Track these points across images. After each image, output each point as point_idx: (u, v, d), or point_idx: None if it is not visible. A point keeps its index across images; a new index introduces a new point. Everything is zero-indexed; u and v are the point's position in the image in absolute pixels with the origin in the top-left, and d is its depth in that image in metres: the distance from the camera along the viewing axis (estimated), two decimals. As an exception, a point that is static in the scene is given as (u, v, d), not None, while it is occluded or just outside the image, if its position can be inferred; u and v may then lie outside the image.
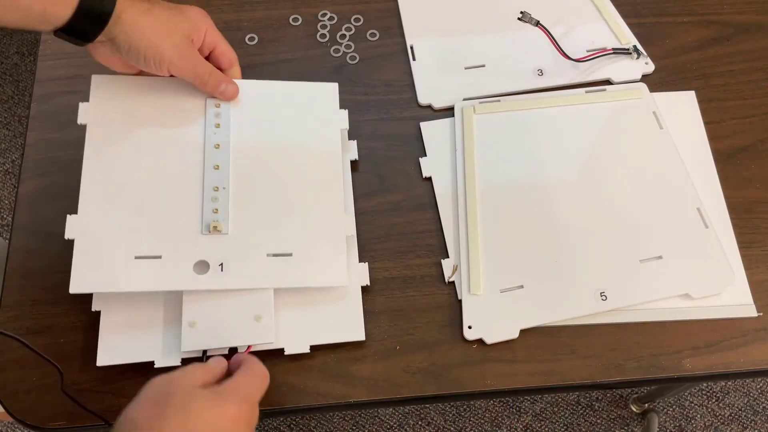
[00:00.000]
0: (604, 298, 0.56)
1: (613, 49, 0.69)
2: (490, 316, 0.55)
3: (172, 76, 0.56)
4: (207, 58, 0.58)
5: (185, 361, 0.52)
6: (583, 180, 0.62)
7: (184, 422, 0.39)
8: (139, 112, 0.57)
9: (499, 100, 0.66)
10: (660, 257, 0.58)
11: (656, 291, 0.57)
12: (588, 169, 0.62)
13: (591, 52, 0.69)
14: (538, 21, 0.66)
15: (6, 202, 1.44)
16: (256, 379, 0.45)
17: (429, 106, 0.67)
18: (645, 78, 0.69)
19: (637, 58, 0.69)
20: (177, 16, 0.55)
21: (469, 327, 0.55)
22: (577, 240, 0.59)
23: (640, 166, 0.63)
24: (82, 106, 0.57)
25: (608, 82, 0.68)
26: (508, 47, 0.70)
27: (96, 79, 0.58)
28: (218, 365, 0.46)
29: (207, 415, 0.40)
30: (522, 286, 0.57)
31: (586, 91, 0.67)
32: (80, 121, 0.56)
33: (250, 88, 0.60)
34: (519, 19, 0.66)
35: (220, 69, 0.59)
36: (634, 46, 0.69)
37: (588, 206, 0.60)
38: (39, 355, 0.46)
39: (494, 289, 0.56)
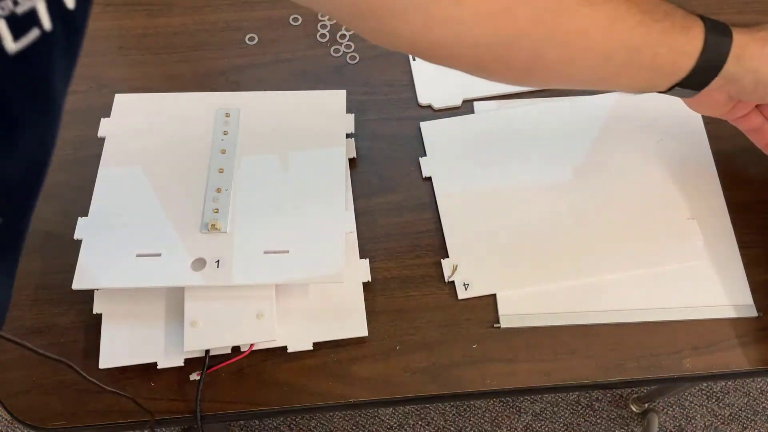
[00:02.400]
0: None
1: None
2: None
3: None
4: None
5: (188, 361, 0.52)
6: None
7: None
8: (153, 124, 0.61)
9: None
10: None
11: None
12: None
13: None
14: None
15: (6, 202, 1.44)
16: None
17: (429, 106, 0.67)
18: None
19: None
20: None
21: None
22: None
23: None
24: (103, 121, 0.61)
25: None
26: None
27: (118, 98, 0.63)
28: None
29: None
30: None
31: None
32: (100, 134, 0.61)
33: (261, 99, 0.62)
34: None
35: None
36: None
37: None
38: (47, 357, 0.45)
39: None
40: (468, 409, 1.22)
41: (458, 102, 0.67)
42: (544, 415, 1.22)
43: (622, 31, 0.45)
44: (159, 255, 0.53)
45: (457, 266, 0.58)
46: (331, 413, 1.15)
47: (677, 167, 0.63)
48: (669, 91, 0.50)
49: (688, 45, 0.47)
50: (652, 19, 0.46)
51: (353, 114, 0.63)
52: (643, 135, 0.64)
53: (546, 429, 1.21)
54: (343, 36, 0.71)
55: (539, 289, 0.57)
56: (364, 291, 0.56)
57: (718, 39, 0.47)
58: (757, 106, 0.55)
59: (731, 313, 0.57)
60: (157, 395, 0.52)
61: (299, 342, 0.54)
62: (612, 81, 0.50)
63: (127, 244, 0.53)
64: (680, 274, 0.58)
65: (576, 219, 0.60)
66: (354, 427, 1.18)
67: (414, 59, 0.69)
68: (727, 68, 0.48)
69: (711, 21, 0.48)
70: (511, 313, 0.56)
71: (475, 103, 0.67)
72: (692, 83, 0.49)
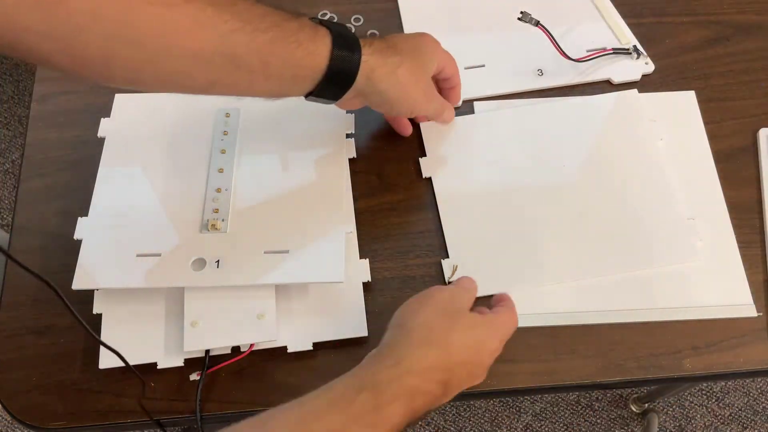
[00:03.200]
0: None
1: (613, 49, 0.69)
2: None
3: None
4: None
5: (188, 361, 0.52)
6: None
7: (466, 342, 0.44)
8: (153, 124, 0.61)
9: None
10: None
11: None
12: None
13: (591, 52, 0.69)
14: (538, 21, 0.66)
15: (6, 202, 1.44)
16: (513, 322, 0.48)
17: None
18: (645, 78, 0.69)
19: (637, 58, 0.69)
20: (421, 59, 0.56)
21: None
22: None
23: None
24: (103, 121, 0.61)
25: (608, 82, 0.68)
26: (508, 47, 0.70)
27: (118, 98, 0.63)
28: (475, 293, 0.50)
29: (487, 342, 0.45)
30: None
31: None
32: (100, 134, 0.61)
33: (262, 99, 0.62)
34: (519, 19, 0.66)
35: (444, 90, 0.63)
36: (634, 46, 0.69)
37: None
38: (30, 272, 0.43)
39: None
40: (468, 409, 1.22)
41: (458, 102, 0.67)
42: (544, 415, 1.22)
43: (212, 36, 0.45)
44: (159, 255, 0.53)
45: (457, 266, 0.58)
46: (331, 413, 1.15)
47: (677, 167, 0.63)
48: (307, 98, 0.53)
49: (307, 58, 0.49)
50: (254, 28, 0.46)
51: (353, 114, 0.63)
52: (643, 135, 0.64)
53: (546, 429, 1.21)
54: (343, 36, 0.71)
55: (539, 289, 0.57)
56: (364, 291, 0.56)
57: (344, 53, 0.50)
58: None
59: (731, 313, 0.57)
60: (157, 395, 0.52)
61: (299, 342, 0.54)
62: (223, 87, 0.49)
63: (127, 244, 0.53)
64: (680, 274, 0.58)
65: (576, 219, 0.60)
66: (354, 427, 1.17)
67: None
68: (357, 85, 0.51)
69: (340, 35, 0.50)
70: None
71: (475, 103, 0.67)
72: (326, 94, 0.52)
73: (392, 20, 0.72)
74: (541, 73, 0.68)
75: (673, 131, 0.65)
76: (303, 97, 0.53)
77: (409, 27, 0.72)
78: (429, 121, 0.64)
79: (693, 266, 0.58)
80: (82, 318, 0.45)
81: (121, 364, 0.49)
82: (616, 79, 0.68)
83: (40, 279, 0.40)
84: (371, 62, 0.51)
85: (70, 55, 0.43)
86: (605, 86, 0.68)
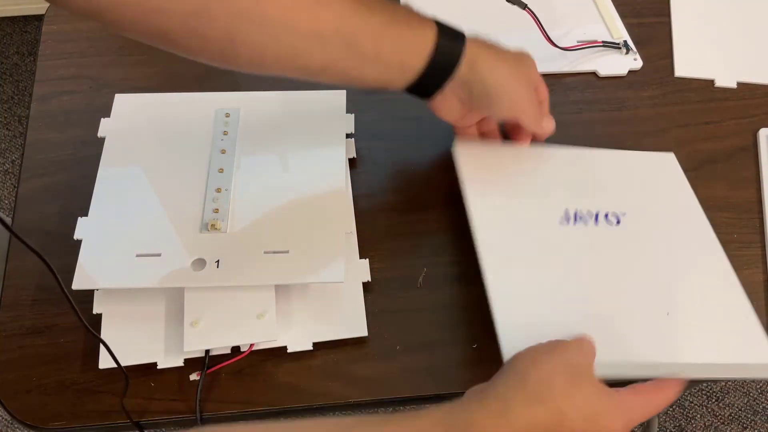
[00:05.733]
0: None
1: (603, 42, 0.70)
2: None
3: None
4: None
5: (188, 361, 0.52)
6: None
7: (584, 411, 0.39)
8: (153, 124, 0.61)
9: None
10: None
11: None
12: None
13: (581, 43, 0.69)
14: (526, 5, 0.65)
15: (6, 202, 1.44)
16: (647, 409, 0.43)
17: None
18: (631, 74, 0.69)
19: (627, 53, 0.69)
20: (525, 63, 0.55)
21: None
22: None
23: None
24: (103, 121, 0.61)
25: (594, 74, 0.69)
26: (496, 30, 0.68)
27: (118, 98, 0.63)
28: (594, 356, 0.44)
29: (607, 420, 0.40)
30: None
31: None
32: (100, 134, 0.61)
33: (261, 99, 0.63)
34: (507, 0, 0.65)
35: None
36: (624, 41, 0.70)
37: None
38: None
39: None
40: (468, 409, 1.22)
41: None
42: (544, 415, 1.22)
43: (331, 15, 0.46)
44: (159, 255, 0.53)
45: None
46: (331, 413, 1.15)
47: (703, 229, 0.58)
48: (410, 92, 0.52)
49: (415, 43, 0.49)
50: (368, 9, 0.47)
51: (353, 114, 0.63)
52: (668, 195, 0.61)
53: (546, 429, 1.21)
54: (343, 36, 0.71)
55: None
56: (364, 291, 0.56)
57: (450, 43, 0.50)
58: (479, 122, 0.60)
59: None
60: (157, 395, 0.52)
61: (299, 342, 0.54)
62: (335, 71, 0.49)
63: (127, 244, 0.53)
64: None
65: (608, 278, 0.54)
66: (354, 427, 1.17)
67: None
68: (459, 74, 0.51)
69: (446, 26, 0.51)
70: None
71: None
72: (427, 83, 0.51)
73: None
74: None
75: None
76: (404, 91, 0.53)
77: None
78: (524, 136, 0.59)
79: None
80: (81, 315, 0.45)
81: (122, 364, 0.49)
82: (603, 71, 0.69)
83: (39, 257, 0.42)
84: (475, 50, 0.51)
85: (196, 35, 0.44)
86: (591, 78, 0.69)
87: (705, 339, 0.51)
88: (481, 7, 0.71)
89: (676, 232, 0.58)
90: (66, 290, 0.45)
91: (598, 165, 0.62)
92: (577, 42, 0.69)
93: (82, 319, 0.46)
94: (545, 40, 0.67)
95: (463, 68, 0.51)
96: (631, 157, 0.64)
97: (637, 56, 0.69)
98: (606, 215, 0.58)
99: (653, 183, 0.62)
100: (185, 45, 0.45)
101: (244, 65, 0.48)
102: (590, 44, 0.69)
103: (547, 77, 0.66)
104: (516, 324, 0.49)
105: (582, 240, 0.56)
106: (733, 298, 0.54)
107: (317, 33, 0.46)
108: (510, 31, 0.68)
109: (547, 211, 0.57)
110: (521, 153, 0.61)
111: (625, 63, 0.69)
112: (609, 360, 0.46)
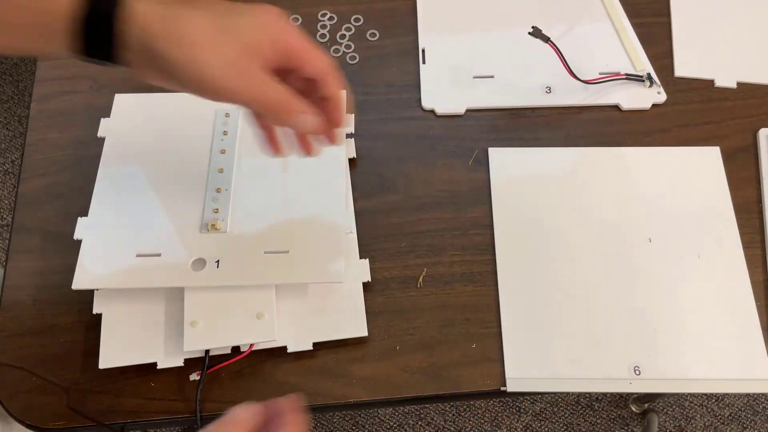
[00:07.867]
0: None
1: (626, 74, 0.67)
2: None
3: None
4: (286, 78, 0.43)
5: (188, 361, 0.52)
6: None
7: None
8: (153, 124, 0.61)
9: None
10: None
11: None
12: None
13: (603, 75, 0.67)
14: (549, 38, 0.64)
15: (6, 202, 1.44)
16: None
17: (432, 111, 0.66)
18: (655, 107, 0.67)
19: (650, 86, 0.67)
20: (238, 21, 0.40)
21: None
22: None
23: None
24: (103, 121, 0.61)
25: (617, 107, 0.67)
26: (519, 61, 0.69)
27: (118, 98, 0.63)
28: (254, 419, 0.37)
29: None
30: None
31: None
32: (100, 134, 0.61)
33: None
34: (530, 34, 0.64)
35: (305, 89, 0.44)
36: (648, 74, 0.67)
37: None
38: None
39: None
40: (468, 409, 1.22)
41: (461, 110, 0.66)
42: (544, 415, 1.22)
43: None
44: (159, 255, 0.53)
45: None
46: (331, 413, 1.15)
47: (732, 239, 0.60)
48: (83, 59, 0.40)
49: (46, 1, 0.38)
50: None
51: (353, 114, 0.63)
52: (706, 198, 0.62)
53: (546, 429, 1.21)
54: (342, 36, 0.71)
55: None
56: (364, 291, 0.56)
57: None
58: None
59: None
60: (157, 395, 0.52)
61: (299, 342, 0.54)
62: None
63: (127, 244, 0.53)
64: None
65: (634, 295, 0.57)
66: (354, 427, 1.18)
67: (424, 62, 0.69)
68: (131, 43, 0.38)
69: None
70: (518, 377, 0.54)
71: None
72: (94, 53, 0.39)
73: (392, 20, 0.72)
74: (549, 90, 0.67)
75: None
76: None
77: (424, 29, 0.71)
78: (277, 122, 0.46)
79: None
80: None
81: (121, 363, 0.49)
82: (626, 105, 0.67)
83: None
84: (147, 12, 0.38)
85: None
86: (613, 111, 0.67)
87: (712, 354, 0.54)
88: (504, 41, 0.71)
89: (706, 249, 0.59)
90: None
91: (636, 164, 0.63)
92: (599, 74, 0.68)
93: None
94: (567, 73, 0.66)
95: (131, 37, 0.38)
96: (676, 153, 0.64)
97: (661, 89, 0.67)
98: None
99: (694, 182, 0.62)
100: None
101: None
102: (612, 77, 0.67)
103: (570, 110, 0.67)
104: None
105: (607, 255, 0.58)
106: (744, 312, 0.56)
107: None
108: (534, 64, 0.68)
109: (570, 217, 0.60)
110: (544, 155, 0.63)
111: (648, 96, 0.67)
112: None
